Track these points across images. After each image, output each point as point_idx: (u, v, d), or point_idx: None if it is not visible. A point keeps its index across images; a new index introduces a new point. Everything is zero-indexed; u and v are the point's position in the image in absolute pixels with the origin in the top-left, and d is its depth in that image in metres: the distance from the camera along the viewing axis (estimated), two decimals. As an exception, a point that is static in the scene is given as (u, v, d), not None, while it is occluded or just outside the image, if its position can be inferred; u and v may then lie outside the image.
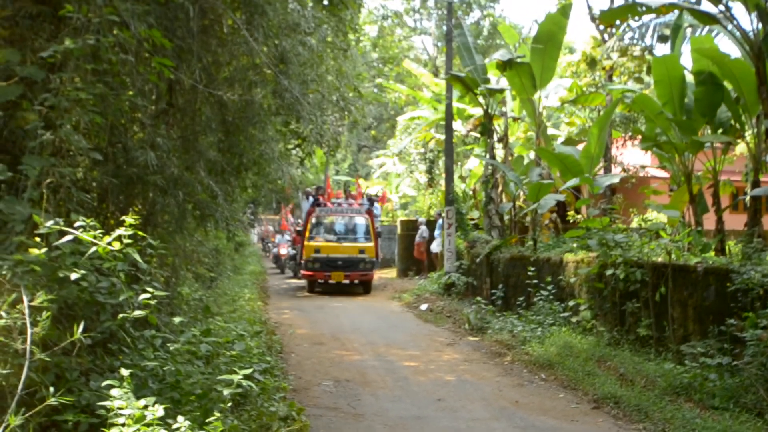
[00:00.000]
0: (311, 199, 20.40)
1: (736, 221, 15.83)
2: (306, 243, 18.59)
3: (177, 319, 5.29)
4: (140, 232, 4.86)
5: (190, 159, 7.72)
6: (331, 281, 18.20)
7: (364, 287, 19.03)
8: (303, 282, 19.90)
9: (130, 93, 5.97)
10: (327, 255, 18.24)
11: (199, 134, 8.21)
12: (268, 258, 31.07)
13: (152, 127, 6.74)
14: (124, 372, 4.24)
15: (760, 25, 9.58)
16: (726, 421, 6.18)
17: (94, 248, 4.42)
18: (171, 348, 5.27)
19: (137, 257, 4.53)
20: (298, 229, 19.99)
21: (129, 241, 4.57)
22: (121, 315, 4.61)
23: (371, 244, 18.75)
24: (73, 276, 4.33)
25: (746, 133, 11.73)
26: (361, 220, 19.34)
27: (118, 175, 6.46)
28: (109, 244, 4.45)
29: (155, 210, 7.37)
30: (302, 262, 19.02)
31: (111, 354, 4.89)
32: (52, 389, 3.84)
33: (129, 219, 4.57)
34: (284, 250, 25.11)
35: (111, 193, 6.53)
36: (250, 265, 22.84)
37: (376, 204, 22.36)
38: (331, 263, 18.20)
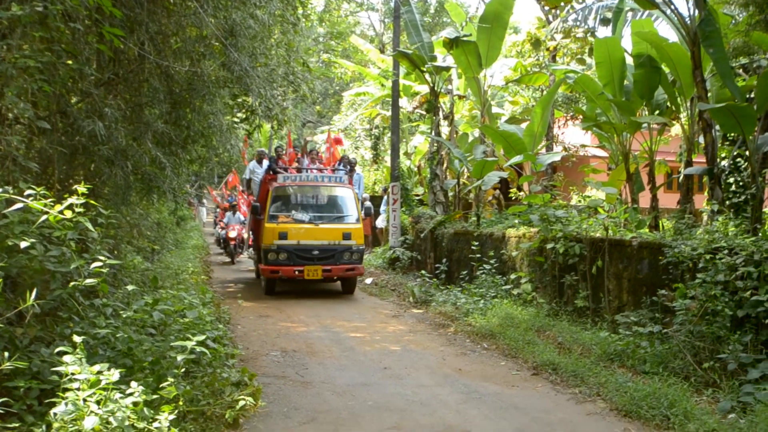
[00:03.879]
0: (266, 163, 15.26)
1: (669, 199, 16.50)
2: (266, 225, 13.21)
3: (130, 287, 5.30)
4: (92, 201, 4.85)
5: (137, 130, 7.64)
6: (301, 277, 12.97)
7: (345, 286, 13.97)
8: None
9: (70, 62, 5.87)
10: (298, 242, 12.99)
11: (146, 105, 8.12)
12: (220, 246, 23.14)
13: (99, 97, 6.66)
14: (77, 339, 4.26)
15: (697, 11, 9.95)
16: (655, 384, 6.54)
17: (45, 217, 4.40)
18: (123, 316, 5.28)
19: (89, 226, 4.53)
20: (255, 204, 14.33)
21: (81, 210, 4.56)
22: (72, 283, 4.61)
23: (359, 225, 13.59)
24: (23, 244, 4.31)
25: (681, 115, 12.20)
26: (343, 192, 14.07)
27: (63, 144, 6.38)
28: (61, 212, 4.44)
29: (100, 181, 7.30)
30: (259, 251, 13.86)
31: (61, 322, 4.89)
32: (6, 354, 3.85)
33: (81, 188, 4.55)
34: (234, 233, 19.88)
35: (56, 162, 6.45)
36: (192, 240, 22.55)
37: (358, 171, 17.70)
38: (304, 253, 12.98)
